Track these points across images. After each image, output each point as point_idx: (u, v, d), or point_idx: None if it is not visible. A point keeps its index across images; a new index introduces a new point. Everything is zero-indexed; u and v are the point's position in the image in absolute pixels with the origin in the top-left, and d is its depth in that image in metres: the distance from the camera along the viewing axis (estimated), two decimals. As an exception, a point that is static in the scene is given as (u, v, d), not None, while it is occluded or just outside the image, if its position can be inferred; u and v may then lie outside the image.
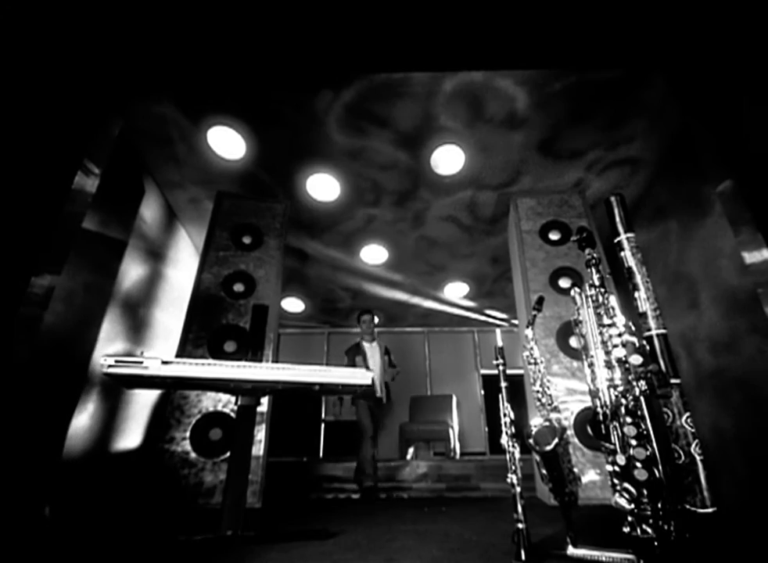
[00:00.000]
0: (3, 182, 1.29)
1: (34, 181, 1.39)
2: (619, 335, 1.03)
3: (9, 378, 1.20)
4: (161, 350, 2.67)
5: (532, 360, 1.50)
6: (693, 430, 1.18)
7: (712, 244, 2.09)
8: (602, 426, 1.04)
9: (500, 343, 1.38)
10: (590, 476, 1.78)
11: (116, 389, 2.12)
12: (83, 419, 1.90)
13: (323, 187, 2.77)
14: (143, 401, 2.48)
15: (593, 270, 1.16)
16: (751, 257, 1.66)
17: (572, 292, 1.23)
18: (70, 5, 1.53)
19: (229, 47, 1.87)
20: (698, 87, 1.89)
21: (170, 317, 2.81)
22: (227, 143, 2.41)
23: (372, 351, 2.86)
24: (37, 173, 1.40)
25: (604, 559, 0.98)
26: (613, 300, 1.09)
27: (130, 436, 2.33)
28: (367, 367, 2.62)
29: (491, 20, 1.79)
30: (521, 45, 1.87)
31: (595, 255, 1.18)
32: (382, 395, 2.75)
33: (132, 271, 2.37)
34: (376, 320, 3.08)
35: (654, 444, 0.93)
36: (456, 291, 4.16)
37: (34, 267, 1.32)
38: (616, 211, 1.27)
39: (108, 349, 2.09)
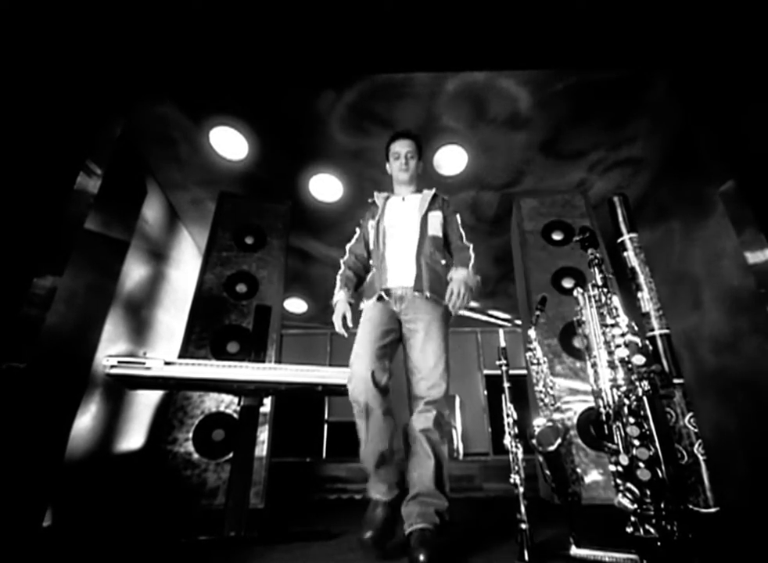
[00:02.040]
0: (6, 183, 1.30)
1: (36, 181, 1.39)
2: (622, 335, 1.02)
3: (12, 379, 1.21)
4: (164, 351, 2.67)
5: (535, 361, 1.50)
6: (696, 430, 1.18)
7: (715, 244, 2.09)
8: (605, 426, 1.04)
9: (503, 344, 1.38)
10: (593, 476, 1.77)
11: (119, 389, 2.12)
12: (86, 420, 1.90)
13: (326, 187, 2.77)
14: (146, 402, 2.48)
15: (596, 270, 1.16)
16: (753, 257, 1.66)
17: (574, 293, 1.23)
18: (73, 5, 1.53)
19: (231, 48, 1.87)
20: (700, 88, 1.89)
21: (172, 317, 2.81)
22: (229, 143, 2.42)
23: (404, 207, 1.43)
24: (40, 174, 1.41)
25: (607, 559, 0.98)
26: (616, 300, 1.09)
27: (133, 437, 2.34)
28: (379, 237, 1.35)
29: (493, 21, 1.79)
30: (523, 45, 1.87)
31: (598, 255, 1.17)
32: (420, 291, 1.24)
33: (135, 272, 2.37)
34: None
35: (657, 444, 0.93)
36: (458, 291, 4.14)
37: (36, 267, 1.32)
38: (619, 211, 1.27)
39: (111, 350, 2.09)
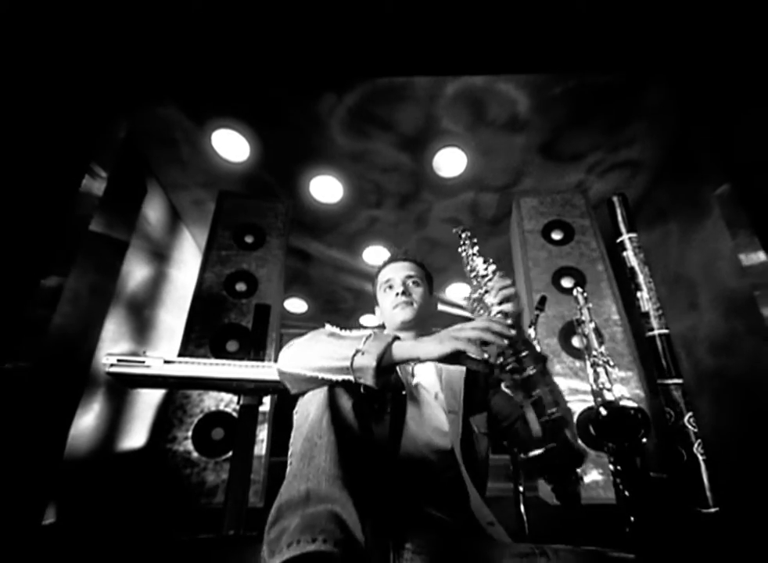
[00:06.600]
0: (13, 185, 1.31)
1: (43, 184, 1.41)
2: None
3: (18, 377, 1.21)
4: (165, 350, 2.67)
5: (534, 360, 1.51)
6: (695, 430, 1.18)
7: (711, 246, 2.10)
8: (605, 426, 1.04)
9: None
10: (592, 476, 1.77)
11: (121, 388, 2.12)
12: (89, 419, 1.90)
13: (326, 189, 2.78)
14: (148, 401, 2.48)
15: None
16: (748, 260, 1.68)
17: (574, 292, 1.24)
18: (76, 9, 1.55)
19: (233, 51, 1.89)
20: (696, 92, 1.91)
21: (173, 317, 2.81)
22: (231, 145, 2.43)
23: (425, 388, 0.92)
24: (46, 177, 1.42)
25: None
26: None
27: (136, 436, 2.34)
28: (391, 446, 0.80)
29: (492, 26, 1.82)
30: (522, 50, 1.89)
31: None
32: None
33: (137, 273, 2.38)
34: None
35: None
36: (458, 292, 4.16)
37: (43, 268, 1.33)
38: (618, 211, 1.28)
39: (113, 350, 2.09)
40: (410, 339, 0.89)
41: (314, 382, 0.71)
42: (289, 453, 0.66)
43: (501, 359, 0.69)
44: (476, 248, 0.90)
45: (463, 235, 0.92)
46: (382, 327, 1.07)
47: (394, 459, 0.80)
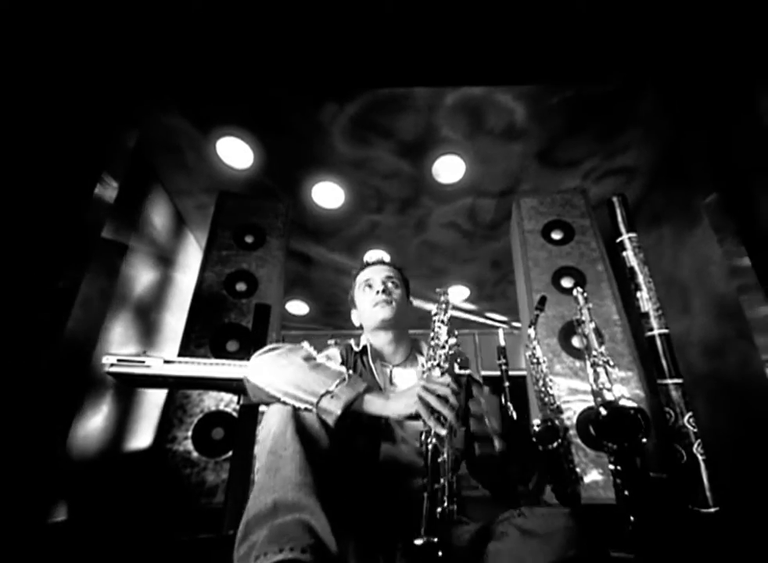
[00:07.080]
0: (29, 194, 1.35)
1: (58, 194, 1.45)
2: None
3: (32, 379, 1.22)
4: (170, 353, 2.68)
5: (534, 360, 1.52)
6: (695, 430, 1.18)
7: (703, 251, 2.13)
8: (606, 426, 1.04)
9: (502, 343, 1.40)
10: (592, 476, 1.75)
11: (128, 389, 2.13)
12: (97, 420, 1.91)
13: (328, 194, 2.81)
14: (154, 400, 2.47)
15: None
16: (734, 265, 1.71)
17: (574, 292, 1.25)
18: (87, 26, 1.59)
19: (238, 63, 1.94)
20: (688, 102, 1.96)
21: (178, 320, 2.82)
22: (235, 152, 2.46)
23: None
24: (61, 187, 1.47)
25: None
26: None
27: (143, 436, 2.33)
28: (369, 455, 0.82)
29: (489, 39, 1.87)
30: (518, 62, 1.94)
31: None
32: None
33: (142, 277, 2.39)
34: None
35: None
36: (457, 294, 4.18)
37: (58, 273, 1.36)
38: (618, 211, 1.29)
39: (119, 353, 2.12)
40: (388, 342, 0.97)
41: (275, 400, 0.72)
42: (256, 468, 0.66)
43: (421, 437, 0.67)
44: (448, 315, 0.90)
45: (441, 299, 0.93)
46: (361, 328, 1.08)
47: (375, 464, 0.80)
